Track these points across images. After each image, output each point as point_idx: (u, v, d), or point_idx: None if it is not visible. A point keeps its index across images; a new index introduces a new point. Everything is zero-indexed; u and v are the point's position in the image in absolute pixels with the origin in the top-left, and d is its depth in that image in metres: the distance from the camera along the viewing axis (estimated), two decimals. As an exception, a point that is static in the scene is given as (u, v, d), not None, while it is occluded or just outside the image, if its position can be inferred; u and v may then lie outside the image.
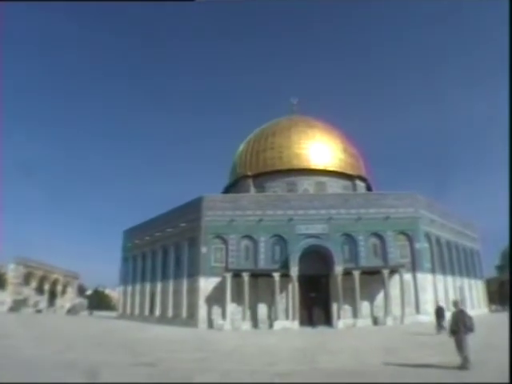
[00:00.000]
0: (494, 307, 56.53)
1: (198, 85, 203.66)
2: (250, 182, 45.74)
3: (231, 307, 32.19)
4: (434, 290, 36.54)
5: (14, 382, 3.95)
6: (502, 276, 72.62)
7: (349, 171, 46.76)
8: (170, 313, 37.70)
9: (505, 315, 38.55)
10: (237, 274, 32.43)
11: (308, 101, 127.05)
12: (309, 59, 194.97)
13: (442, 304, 25.72)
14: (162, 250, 41.48)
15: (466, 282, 43.82)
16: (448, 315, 19.88)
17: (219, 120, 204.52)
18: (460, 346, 8.80)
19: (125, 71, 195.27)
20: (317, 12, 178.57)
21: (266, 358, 12.55)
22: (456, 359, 9.06)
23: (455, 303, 9.91)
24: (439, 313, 21.67)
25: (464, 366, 8.47)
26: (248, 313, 32.12)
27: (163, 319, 37.70)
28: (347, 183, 46.22)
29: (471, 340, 9.11)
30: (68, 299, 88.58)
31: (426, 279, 35.48)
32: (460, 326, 8.90)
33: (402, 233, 35.65)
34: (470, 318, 9.21)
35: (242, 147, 51.25)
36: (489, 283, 58.60)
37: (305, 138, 46.78)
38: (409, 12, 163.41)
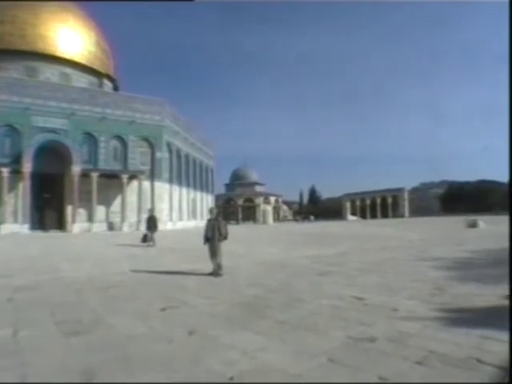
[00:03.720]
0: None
1: None
2: (-20, 58, 37.71)
3: None
4: (170, 199, 39.44)
5: (14, 382, 2.78)
6: (228, 194, 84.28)
7: (98, 67, 44.20)
8: None
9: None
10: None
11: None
12: None
13: (156, 213, 21.79)
14: None
15: (198, 194, 48.85)
16: (160, 226, 20.25)
17: None
18: (214, 253, 8.84)
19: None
20: None
21: (-3, 268, 10.80)
22: (203, 266, 9.22)
23: (211, 210, 9.72)
24: (151, 222, 18.01)
25: (217, 272, 8.68)
26: (-32, 214, 28.11)
27: None
28: (94, 80, 43.72)
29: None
30: None
31: (163, 188, 37.96)
32: (216, 233, 8.91)
33: (145, 139, 36.80)
34: (225, 226, 9.27)
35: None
36: (217, 198, 67.03)
37: (56, 20, 41.16)
38: None
